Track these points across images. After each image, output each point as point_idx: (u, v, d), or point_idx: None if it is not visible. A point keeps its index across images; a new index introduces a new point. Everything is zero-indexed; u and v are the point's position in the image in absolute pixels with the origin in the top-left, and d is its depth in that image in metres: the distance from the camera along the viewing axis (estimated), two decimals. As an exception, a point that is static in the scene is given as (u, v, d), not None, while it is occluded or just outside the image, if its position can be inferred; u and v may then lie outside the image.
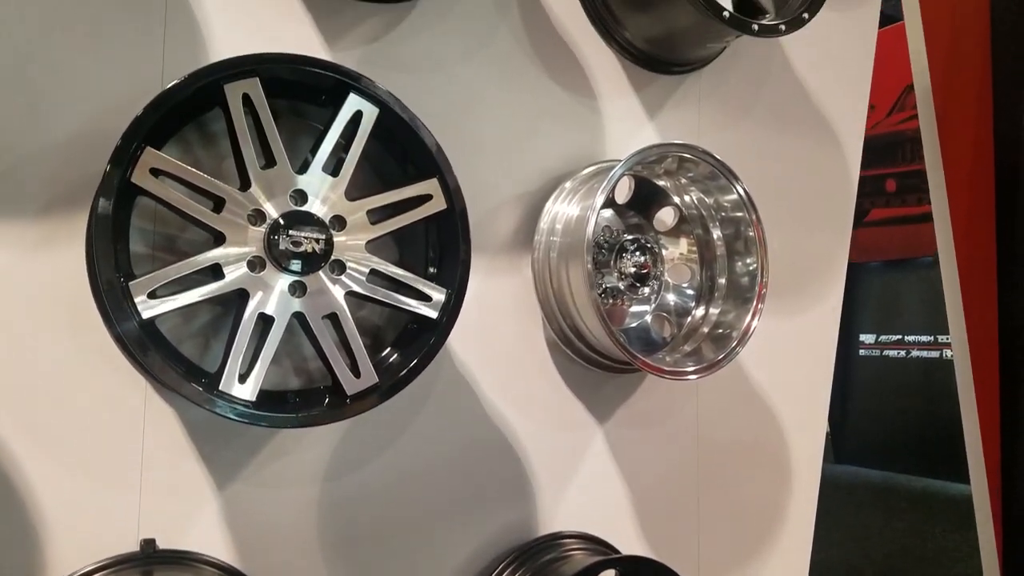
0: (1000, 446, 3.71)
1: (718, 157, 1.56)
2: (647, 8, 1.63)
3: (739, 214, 1.58)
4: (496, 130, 1.60)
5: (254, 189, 1.19)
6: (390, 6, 1.49)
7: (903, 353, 5.40)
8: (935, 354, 5.24)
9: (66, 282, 1.22)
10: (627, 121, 1.75)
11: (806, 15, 1.61)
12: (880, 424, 5.42)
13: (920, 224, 5.31)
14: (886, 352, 5.48)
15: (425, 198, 1.31)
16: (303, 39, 1.42)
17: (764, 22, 1.57)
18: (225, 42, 1.35)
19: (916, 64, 4.13)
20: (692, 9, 1.52)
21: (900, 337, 5.45)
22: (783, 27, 1.58)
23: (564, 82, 1.67)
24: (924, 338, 5.35)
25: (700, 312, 1.62)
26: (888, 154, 5.50)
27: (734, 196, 1.57)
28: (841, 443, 5.50)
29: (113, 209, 1.09)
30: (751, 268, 1.55)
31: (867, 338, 5.63)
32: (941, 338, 5.16)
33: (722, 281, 1.61)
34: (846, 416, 5.61)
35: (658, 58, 1.75)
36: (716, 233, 1.63)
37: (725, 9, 1.53)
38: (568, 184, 1.62)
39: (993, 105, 4.02)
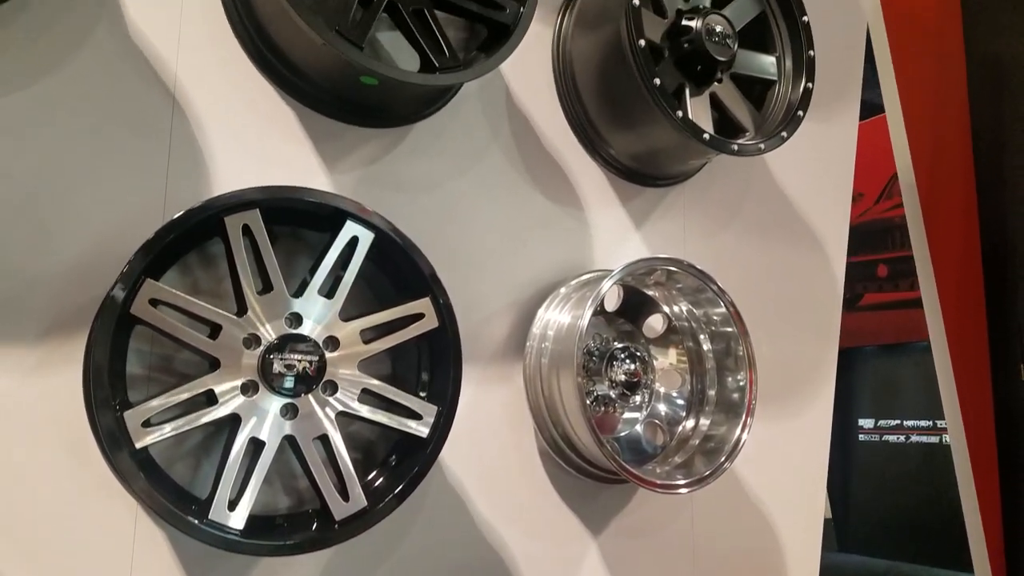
0: (1003, 534, 3.62)
1: (704, 270, 1.60)
2: (630, 128, 1.70)
3: (729, 329, 1.61)
4: (489, 242, 1.65)
5: (251, 313, 1.22)
6: (388, 130, 1.55)
7: (903, 438, 5.33)
8: (935, 439, 5.18)
9: (63, 405, 1.23)
10: (614, 232, 1.80)
11: (784, 134, 1.68)
12: (883, 512, 5.31)
13: (913, 309, 5.33)
14: (886, 437, 5.41)
15: (417, 316, 1.34)
16: (304, 163, 1.47)
17: (743, 142, 1.64)
18: (228, 167, 1.40)
19: (899, 156, 4.24)
20: (673, 131, 1.58)
21: (899, 422, 5.40)
22: (762, 146, 1.65)
23: (553, 196, 1.73)
24: (923, 423, 5.29)
25: (691, 423, 1.62)
26: (879, 240, 5.58)
27: (722, 309, 1.60)
28: (844, 531, 5.38)
29: (112, 338, 1.11)
30: (741, 384, 1.57)
31: (866, 423, 5.58)
32: (940, 423, 5.11)
33: (712, 393, 1.62)
34: (848, 504, 5.50)
35: (643, 172, 1.81)
36: (707, 346, 1.65)
37: (705, 131, 1.59)
38: (562, 290, 1.65)
39: (977, 192, 4.10)
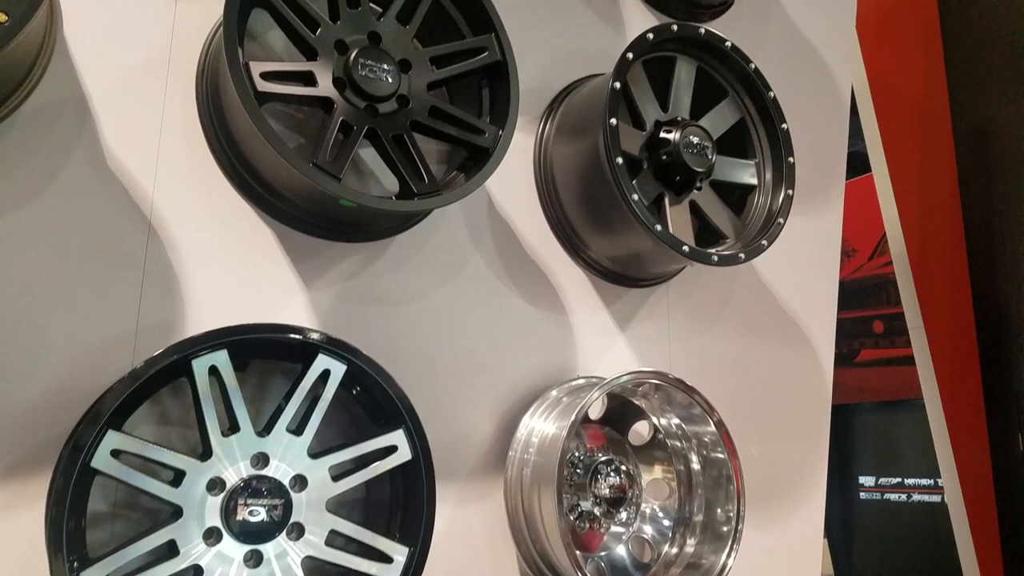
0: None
1: (690, 385, 1.55)
2: (611, 234, 1.68)
3: (720, 455, 1.56)
4: (471, 351, 1.61)
5: (215, 456, 1.19)
6: (368, 244, 1.53)
7: (904, 497, 5.22)
8: (936, 498, 5.07)
9: (23, 554, 1.19)
10: (599, 335, 1.76)
11: (765, 242, 1.65)
12: (885, 572, 5.17)
13: (911, 366, 5.27)
14: (887, 496, 5.30)
15: (390, 449, 1.30)
16: (283, 282, 1.45)
17: (723, 252, 1.61)
18: (203, 292, 1.38)
19: (889, 225, 4.22)
20: (653, 242, 1.56)
21: (900, 480, 5.29)
22: (742, 256, 1.62)
23: (536, 301, 1.70)
24: (924, 481, 5.18)
25: (675, 548, 1.56)
26: (873, 296, 5.53)
27: (711, 428, 1.56)
28: (847, 593, 5.23)
29: (72, 489, 1.08)
30: (730, 515, 1.51)
31: (867, 480, 5.46)
32: (941, 481, 5.00)
33: (699, 518, 1.56)
34: (851, 566, 5.36)
35: (625, 274, 1.78)
36: (697, 467, 1.60)
37: (684, 244, 1.56)
38: (552, 393, 1.61)
39: (967, 256, 4.08)
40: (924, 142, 3.88)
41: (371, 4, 1.45)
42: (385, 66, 1.36)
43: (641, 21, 1.93)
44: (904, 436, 5.45)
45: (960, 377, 4.02)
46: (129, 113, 1.36)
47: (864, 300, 5.52)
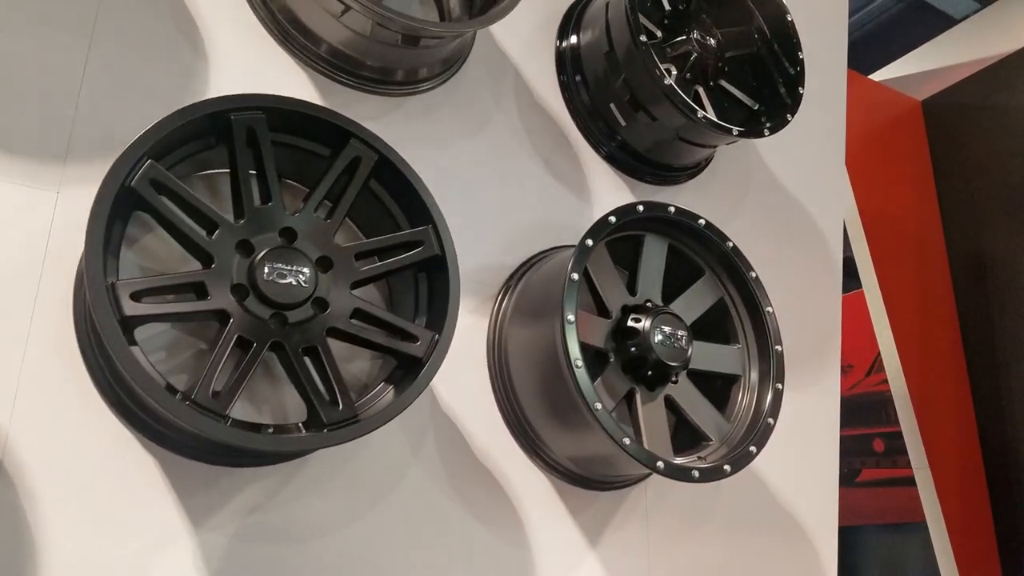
0: None
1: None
2: (576, 436, 1.40)
3: None
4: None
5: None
6: (276, 467, 1.25)
7: (913, 630, 4.76)
8: (952, 634, 4.61)
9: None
10: (566, 552, 1.46)
11: (753, 448, 1.38)
12: None
13: (915, 487, 4.94)
14: (895, 630, 4.84)
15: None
16: (164, 523, 1.16)
17: (705, 465, 1.33)
18: (60, 543, 1.09)
19: (883, 340, 4.04)
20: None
21: (909, 611, 4.84)
22: (727, 468, 1.34)
23: (489, 518, 1.41)
24: (937, 615, 4.73)
25: None
26: (872, 414, 5.23)
27: None
28: None
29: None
30: None
31: (874, 611, 5.02)
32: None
33: None
34: None
35: (593, 478, 1.50)
36: None
37: (659, 459, 1.29)
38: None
39: (968, 369, 3.86)
40: (919, 267, 3.70)
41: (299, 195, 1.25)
42: (298, 267, 1.13)
43: (610, 188, 1.72)
44: (912, 561, 5.05)
45: (966, 502, 3.76)
46: (-12, 323, 1.11)
47: (863, 417, 5.22)
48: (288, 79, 1.42)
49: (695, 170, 1.80)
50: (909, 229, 3.60)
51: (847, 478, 5.04)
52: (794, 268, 1.92)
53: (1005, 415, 3.65)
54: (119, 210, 1.04)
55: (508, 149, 1.63)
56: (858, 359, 5.16)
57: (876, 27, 5.52)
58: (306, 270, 1.13)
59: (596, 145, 1.73)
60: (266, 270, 1.10)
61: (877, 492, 5.20)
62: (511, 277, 1.56)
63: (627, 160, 1.74)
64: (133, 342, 1.03)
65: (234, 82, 1.36)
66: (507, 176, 1.62)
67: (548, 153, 1.68)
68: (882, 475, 5.20)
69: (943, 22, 5.06)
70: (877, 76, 4.16)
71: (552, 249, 1.61)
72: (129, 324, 1.00)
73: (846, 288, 2.09)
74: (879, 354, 5.40)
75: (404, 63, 1.47)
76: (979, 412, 3.80)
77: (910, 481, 5.16)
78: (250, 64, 1.39)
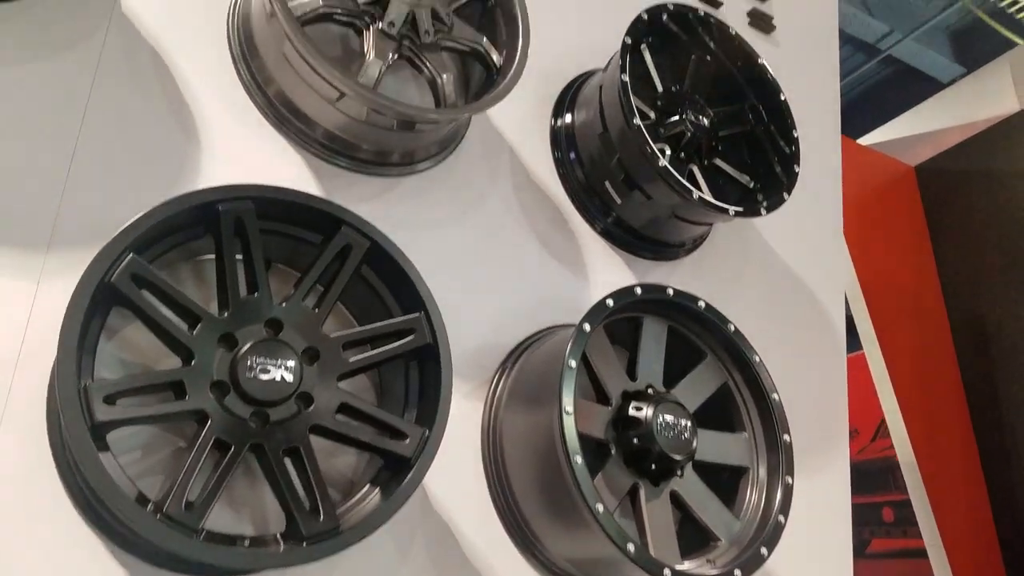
0: None
1: None
2: (575, 536, 1.33)
3: None
4: None
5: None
6: None
7: None
8: None
9: None
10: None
11: (764, 551, 1.30)
12: None
13: (927, 559, 4.76)
14: None
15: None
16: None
17: (715, 571, 1.26)
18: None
19: (884, 399, 3.99)
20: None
21: None
22: (738, 573, 1.26)
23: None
24: None
25: None
26: (880, 481, 5.09)
27: None
28: None
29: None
30: None
31: None
32: None
33: None
34: None
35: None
36: None
37: (666, 566, 1.21)
38: None
39: (975, 435, 3.78)
40: (920, 331, 3.67)
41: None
42: (283, 361, 1.08)
43: (606, 264, 1.68)
44: (930, 639, 4.84)
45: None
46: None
47: (871, 484, 5.07)
48: (284, 161, 1.40)
49: (692, 246, 1.77)
50: (908, 293, 3.58)
51: (857, 549, 4.88)
52: (796, 345, 1.87)
53: (1015, 481, 3.58)
54: (98, 307, 0.99)
55: (504, 227, 1.61)
56: (862, 424, 5.06)
57: (864, 91, 5.62)
58: (291, 363, 1.08)
59: (592, 221, 1.70)
60: (249, 365, 1.05)
61: (888, 565, 5.02)
62: (507, 359, 1.50)
63: (623, 236, 1.71)
64: (105, 447, 0.97)
65: (229, 166, 1.34)
66: (503, 253, 1.59)
67: (544, 230, 1.65)
68: (892, 546, 5.03)
69: (930, 86, 5.16)
70: (866, 139, 4.21)
71: (548, 329, 1.56)
72: (101, 431, 0.95)
73: (847, 349, 2.06)
74: (883, 419, 5.31)
75: (400, 146, 1.46)
76: (988, 477, 3.72)
77: (921, 553, 5.00)
78: (246, 148, 1.37)
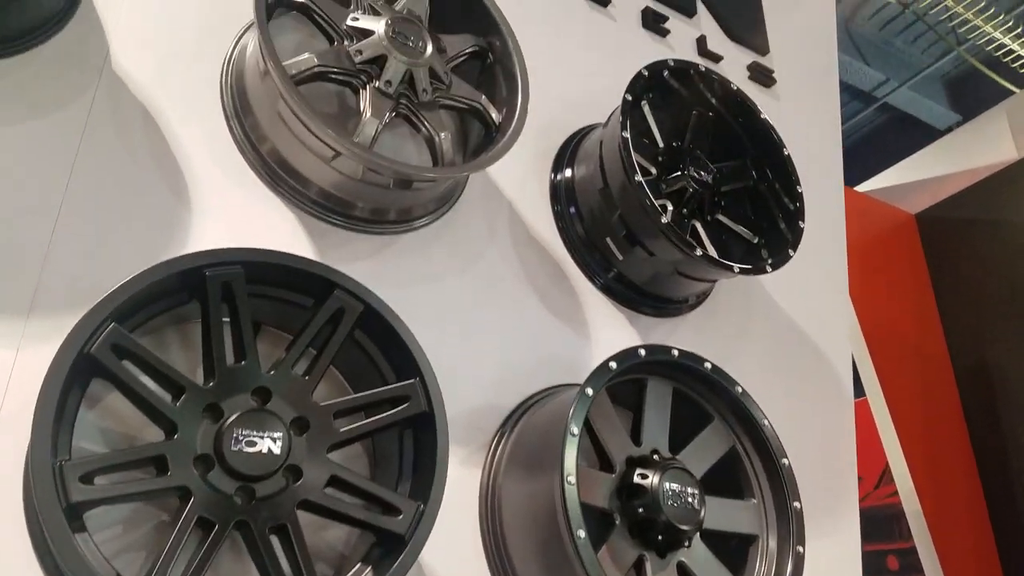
0: None
1: None
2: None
3: None
4: None
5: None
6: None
7: None
8: None
9: None
10: None
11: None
12: None
13: (936, 610, 4.62)
14: None
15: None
16: None
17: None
18: None
19: (888, 445, 3.91)
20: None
21: None
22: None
23: None
24: None
25: None
26: (884, 529, 4.97)
27: None
28: None
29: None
30: None
31: None
32: None
33: None
34: None
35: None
36: None
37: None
38: None
39: (982, 482, 3.70)
40: (923, 377, 3.61)
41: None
42: (270, 432, 1.03)
43: (607, 320, 1.64)
44: None
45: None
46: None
47: (875, 532, 4.94)
48: (278, 221, 1.37)
49: (695, 302, 1.73)
50: (910, 339, 3.54)
51: (864, 603, 4.75)
52: (803, 399, 1.83)
53: (1022, 527, 3.48)
54: (76, 378, 0.95)
55: (503, 283, 1.57)
56: (866, 471, 4.96)
57: (861, 139, 5.66)
58: (278, 434, 1.03)
59: (592, 277, 1.66)
60: (234, 437, 1.00)
61: (896, 615, 4.87)
62: (506, 422, 1.45)
63: (624, 292, 1.67)
64: (81, 528, 0.91)
65: (221, 227, 1.30)
66: (503, 312, 1.54)
67: (544, 286, 1.61)
68: (900, 597, 4.89)
69: (927, 133, 5.20)
70: (865, 187, 4.21)
71: (548, 389, 1.51)
72: (77, 511, 0.89)
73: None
74: (887, 465, 5.21)
75: (397, 204, 1.43)
76: (995, 523, 3.63)
77: (930, 603, 4.85)
78: (238, 208, 1.34)
